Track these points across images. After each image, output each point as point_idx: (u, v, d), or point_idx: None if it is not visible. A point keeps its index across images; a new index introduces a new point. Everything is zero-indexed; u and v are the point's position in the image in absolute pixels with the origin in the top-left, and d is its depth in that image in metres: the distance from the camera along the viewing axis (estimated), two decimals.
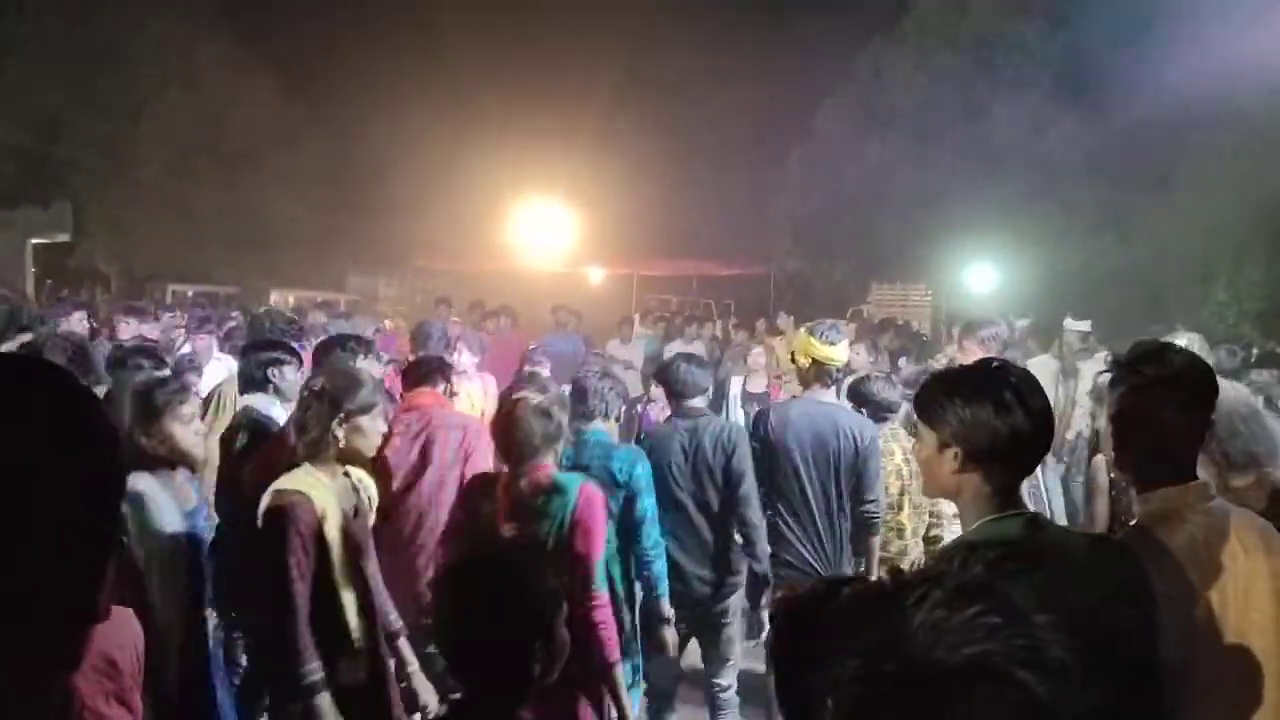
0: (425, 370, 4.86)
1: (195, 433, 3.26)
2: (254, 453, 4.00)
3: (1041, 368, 9.11)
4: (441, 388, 4.82)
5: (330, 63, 25.81)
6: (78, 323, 7.82)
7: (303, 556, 2.99)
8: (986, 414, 1.99)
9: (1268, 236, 15.98)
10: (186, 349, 8.76)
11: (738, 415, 8.73)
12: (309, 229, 27.19)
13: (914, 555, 4.67)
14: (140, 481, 3.11)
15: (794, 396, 4.67)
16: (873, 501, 4.34)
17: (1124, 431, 2.32)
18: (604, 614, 3.24)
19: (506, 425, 3.26)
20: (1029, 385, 2.05)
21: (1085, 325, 10.49)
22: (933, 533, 4.72)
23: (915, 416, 2.18)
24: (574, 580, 3.16)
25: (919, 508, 4.66)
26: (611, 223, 23.84)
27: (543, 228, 22.98)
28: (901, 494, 4.63)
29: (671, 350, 10.91)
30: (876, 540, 4.42)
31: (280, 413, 4.31)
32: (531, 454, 3.25)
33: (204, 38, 25.82)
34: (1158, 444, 2.30)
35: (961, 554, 1.93)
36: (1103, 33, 19.36)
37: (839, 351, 4.45)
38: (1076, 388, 8.46)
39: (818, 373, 4.44)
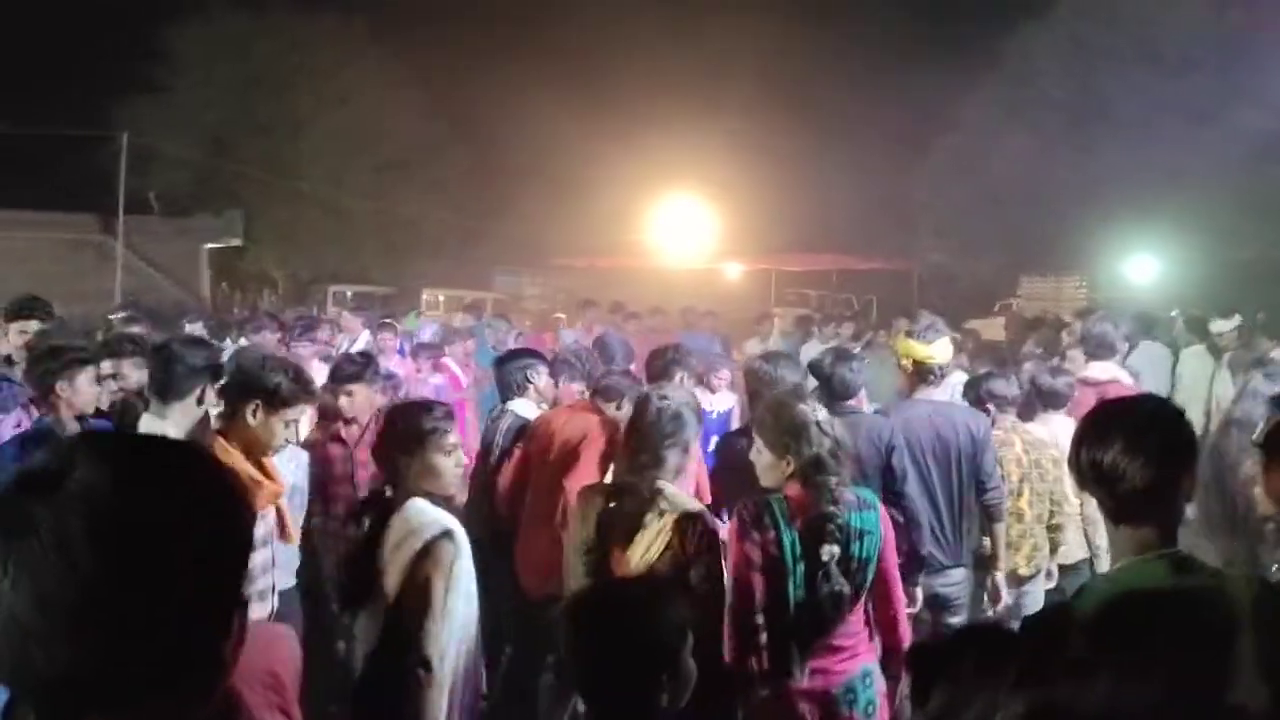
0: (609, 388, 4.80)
1: (456, 464, 3.08)
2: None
3: (1195, 359, 8.71)
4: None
5: (473, 74, 27.00)
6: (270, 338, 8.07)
7: None
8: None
9: None
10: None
11: None
12: (456, 232, 28.34)
13: (1036, 539, 4.74)
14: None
15: (906, 398, 4.68)
16: (995, 489, 4.46)
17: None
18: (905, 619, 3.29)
19: (804, 438, 3.06)
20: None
21: (1232, 322, 9.84)
22: (1055, 520, 4.80)
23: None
24: (883, 600, 3.15)
25: (1040, 494, 4.76)
26: (750, 218, 23.80)
27: (680, 224, 23.18)
28: (1022, 481, 4.73)
29: (809, 350, 10.71)
30: (1001, 526, 4.53)
31: (534, 414, 4.75)
32: (831, 470, 3.04)
33: (356, 59, 27.52)
34: None
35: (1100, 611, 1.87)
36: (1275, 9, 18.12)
37: (937, 350, 4.55)
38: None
39: (920, 372, 4.54)
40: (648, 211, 23.38)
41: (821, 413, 3.09)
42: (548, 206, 26.17)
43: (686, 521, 3.03)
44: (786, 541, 2.96)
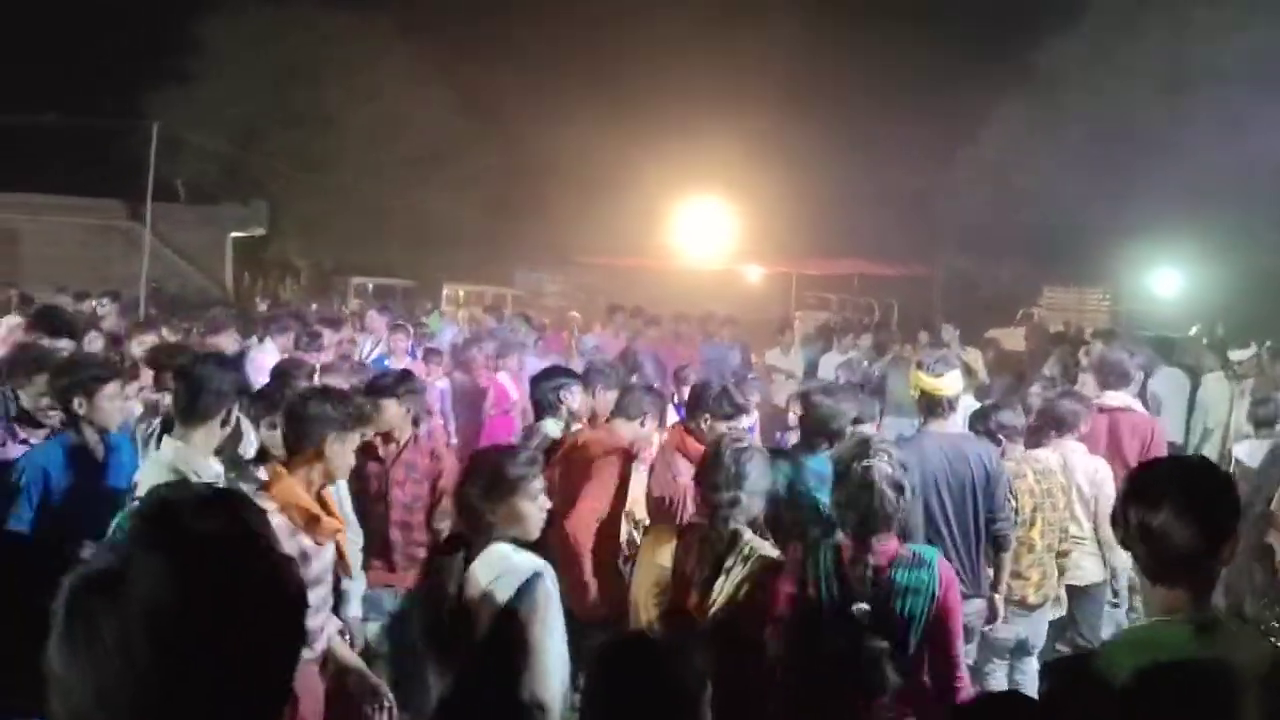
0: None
1: (540, 509, 3.03)
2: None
3: (1216, 384, 8.61)
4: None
5: (500, 72, 27.03)
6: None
7: None
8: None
9: None
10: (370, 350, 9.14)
11: None
12: (480, 228, 28.43)
13: (1046, 567, 4.82)
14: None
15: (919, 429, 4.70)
16: (1004, 520, 4.52)
17: None
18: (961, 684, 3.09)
19: (856, 492, 2.99)
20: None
21: (1249, 351, 9.89)
22: (1062, 546, 4.88)
23: None
24: (938, 658, 3.02)
25: (1051, 524, 4.83)
26: (771, 221, 23.79)
27: (702, 226, 23.18)
28: (1034, 511, 4.80)
29: (828, 361, 10.65)
30: (1007, 555, 4.61)
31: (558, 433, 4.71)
32: (883, 525, 2.97)
33: (386, 53, 27.66)
34: None
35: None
36: None
37: (946, 383, 4.56)
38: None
39: (928, 404, 4.57)
40: (670, 212, 23.40)
41: (886, 466, 2.99)
42: (570, 205, 26.20)
43: (768, 571, 3.05)
44: (825, 591, 2.97)
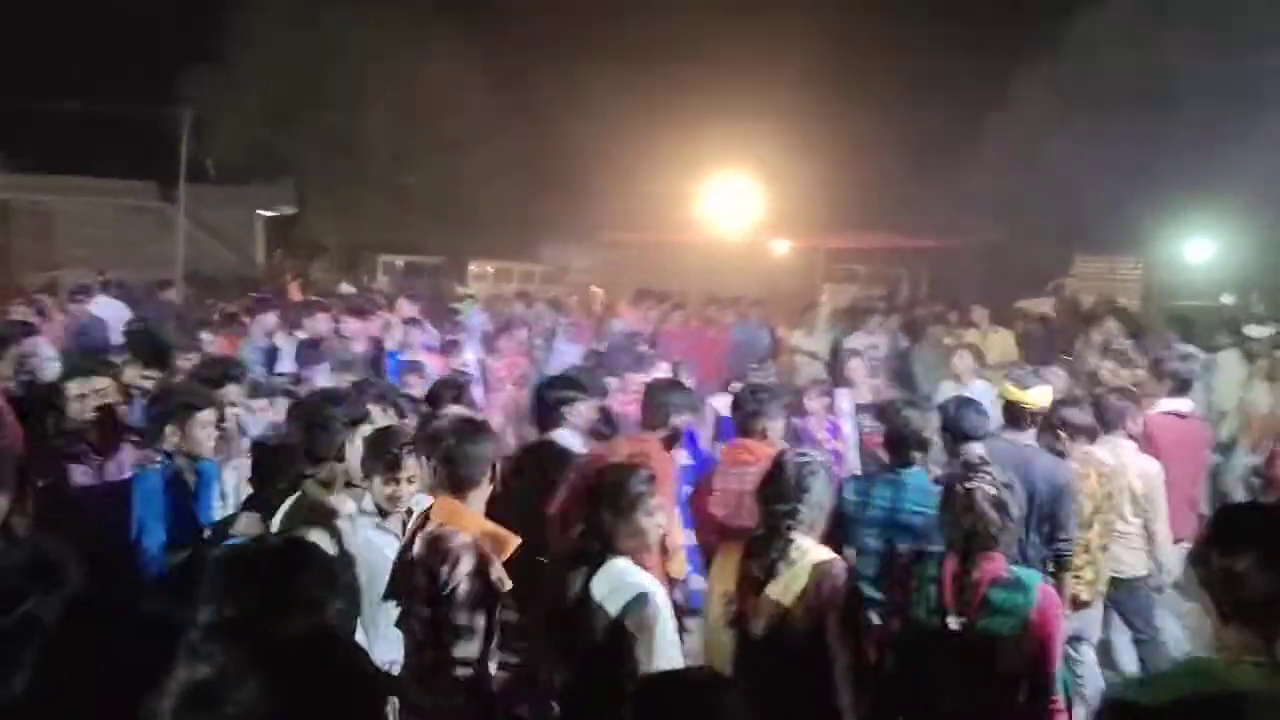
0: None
1: (656, 524, 3.19)
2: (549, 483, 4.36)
3: (1230, 364, 8.47)
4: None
5: (531, 52, 27.03)
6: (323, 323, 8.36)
7: None
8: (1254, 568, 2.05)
9: None
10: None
11: None
12: (508, 205, 28.49)
13: (1099, 565, 4.76)
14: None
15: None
16: (1066, 540, 4.44)
17: None
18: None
19: (959, 513, 3.11)
20: None
21: (1268, 329, 9.63)
22: (1105, 540, 4.83)
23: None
24: (1033, 681, 3.04)
25: (1107, 525, 4.80)
26: (798, 194, 23.63)
27: (729, 200, 23.07)
28: (1094, 513, 4.74)
29: (853, 342, 10.52)
30: (1068, 576, 4.51)
31: (578, 445, 4.71)
32: (986, 544, 3.07)
33: (419, 35, 27.54)
34: None
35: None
36: None
37: (1032, 396, 4.69)
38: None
39: (1012, 413, 4.70)
40: (697, 188, 23.29)
41: (989, 487, 3.10)
42: (598, 182, 26.19)
43: (818, 570, 3.13)
44: (924, 604, 3.11)
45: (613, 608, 2.97)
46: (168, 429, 4.00)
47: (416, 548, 3.15)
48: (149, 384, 5.16)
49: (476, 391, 8.14)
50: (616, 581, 3.01)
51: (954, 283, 23.17)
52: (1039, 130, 22.22)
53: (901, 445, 4.29)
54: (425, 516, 3.26)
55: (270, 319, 8.33)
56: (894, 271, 25.41)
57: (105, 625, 1.44)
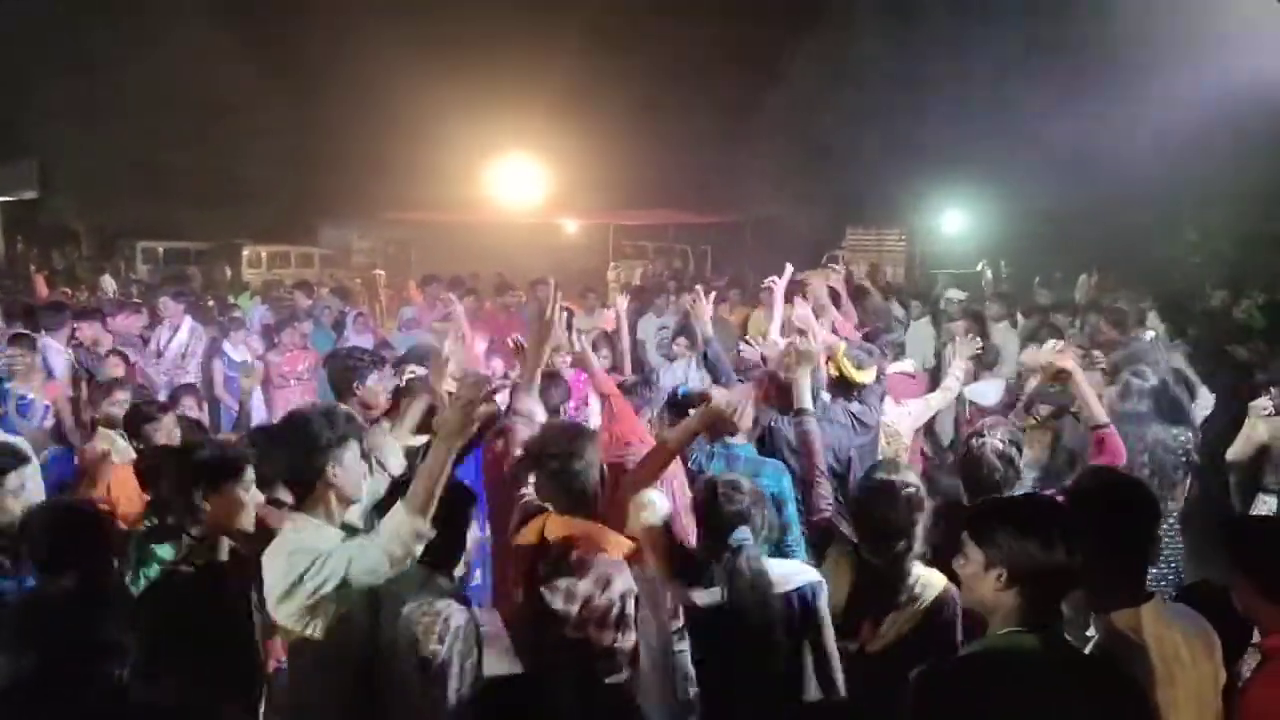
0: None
1: None
2: None
3: (918, 328, 9.79)
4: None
5: (298, 15, 25.34)
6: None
7: None
8: (1034, 547, 2.26)
9: (1230, 176, 16.10)
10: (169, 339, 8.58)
11: None
12: (277, 182, 26.86)
13: None
14: None
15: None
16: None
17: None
18: None
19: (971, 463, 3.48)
20: (1074, 524, 2.33)
21: (961, 294, 11.30)
22: None
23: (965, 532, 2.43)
24: None
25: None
26: (586, 172, 23.65)
27: (515, 178, 22.80)
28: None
29: (646, 324, 10.48)
30: None
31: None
32: (996, 492, 3.42)
33: None
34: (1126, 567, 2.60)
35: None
36: None
37: (864, 376, 5.01)
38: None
39: (842, 386, 5.01)
40: (482, 166, 22.81)
41: (999, 442, 3.52)
42: (376, 158, 25.06)
43: (937, 603, 3.09)
44: None
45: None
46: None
47: (550, 572, 2.98)
48: None
49: (257, 390, 7.68)
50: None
51: (736, 257, 24.01)
52: (810, 106, 23.22)
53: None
54: (541, 538, 3.09)
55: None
56: (680, 247, 26.02)
57: None
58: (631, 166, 24.65)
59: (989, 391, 6.84)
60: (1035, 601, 2.28)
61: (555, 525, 3.08)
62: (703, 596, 3.17)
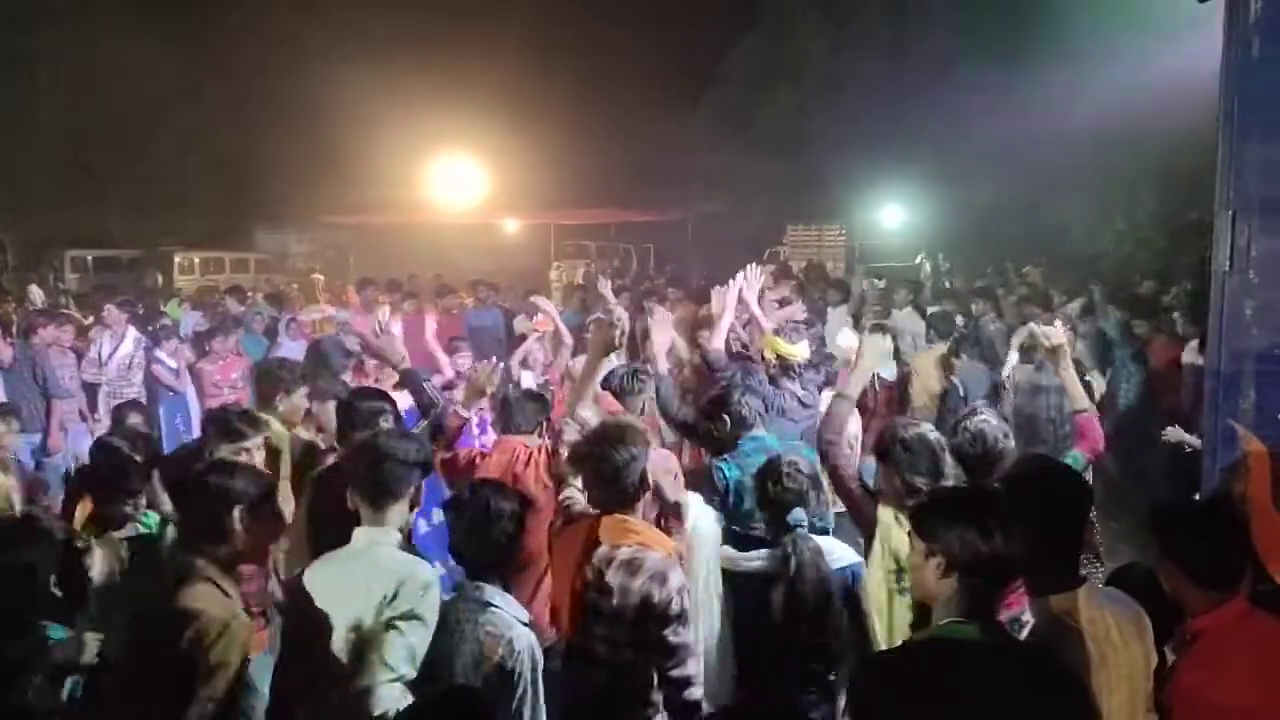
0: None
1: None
2: None
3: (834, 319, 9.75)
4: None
5: (230, 17, 24.78)
6: None
7: None
8: (971, 535, 2.27)
9: (1158, 167, 16.46)
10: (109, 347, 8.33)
11: None
12: (210, 186, 26.26)
13: None
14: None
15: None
16: None
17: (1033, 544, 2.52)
18: None
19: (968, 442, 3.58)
20: (1011, 512, 2.36)
21: (881, 283, 11.62)
22: None
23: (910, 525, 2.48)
24: None
25: None
26: (526, 173, 23.48)
27: (455, 179, 22.56)
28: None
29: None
30: None
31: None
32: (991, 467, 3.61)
33: None
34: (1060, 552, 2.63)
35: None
36: None
37: (797, 350, 5.23)
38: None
39: (783, 366, 5.22)
40: (421, 167, 22.52)
41: (994, 419, 3.70)
42: (312, 160, 24.61)
43: None
44: None
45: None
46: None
47: (601, 572, 3.00)
48: None
49: (190, 397, 7.50)
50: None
51: (679, 255, 24.06)
52: (748, 105, 23.34)
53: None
54: (591, 538, 3.09)
55: None
56: (623, 246, 25.97)
57: None
58: (572, 166, 24.55)
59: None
60: (974, 590, 2.28)
61: (606, 527, 3.10)
62: (747, 562, 3.40)
